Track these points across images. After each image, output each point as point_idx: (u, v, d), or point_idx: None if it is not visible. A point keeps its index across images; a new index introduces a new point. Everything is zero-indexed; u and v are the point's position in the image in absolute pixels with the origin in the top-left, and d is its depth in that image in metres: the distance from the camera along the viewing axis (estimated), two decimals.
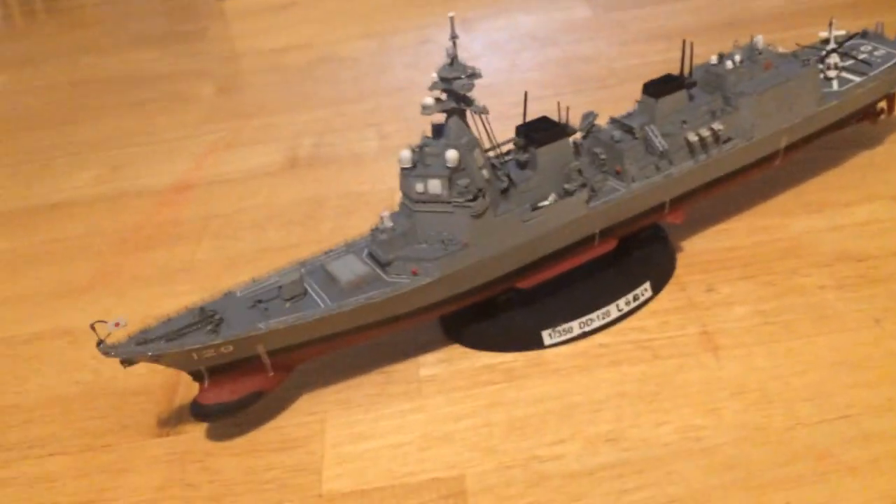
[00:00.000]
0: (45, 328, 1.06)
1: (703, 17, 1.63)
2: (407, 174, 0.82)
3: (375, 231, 0.84)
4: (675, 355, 0.88)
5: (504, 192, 0.86)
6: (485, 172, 0.83)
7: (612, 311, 0.92)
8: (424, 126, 1.34)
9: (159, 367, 0.94)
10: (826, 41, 1.08)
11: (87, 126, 1.57)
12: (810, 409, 0.79)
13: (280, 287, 0.82)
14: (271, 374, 0.84)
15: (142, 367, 0.95)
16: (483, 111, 0.81)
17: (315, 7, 1.97)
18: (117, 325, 0.76)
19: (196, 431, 0.88)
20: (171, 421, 0.90)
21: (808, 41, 1.11)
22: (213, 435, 0.87)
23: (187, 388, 0.93)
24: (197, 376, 0.82)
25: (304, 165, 1.33)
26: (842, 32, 1.09)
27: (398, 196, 1.19)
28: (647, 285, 0.94)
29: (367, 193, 1.23)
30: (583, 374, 0.87)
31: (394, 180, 1.24)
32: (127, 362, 0.77)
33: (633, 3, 1.73)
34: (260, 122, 1.49)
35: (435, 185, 0.81)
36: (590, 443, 0.80)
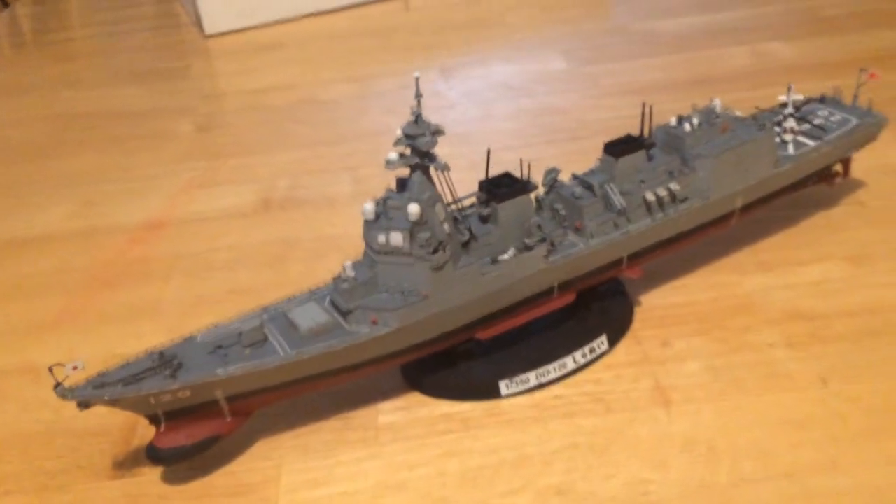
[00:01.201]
0: (8, 365, 1.07)
1: (672, 73, 1.68)
2: (370, 226, 0.85)
3: (337, 280, 0.86)
4: (627, 409, 0.89)
5: (465, 244, 0.88)
6: (446, 226, 0.85)
7: (569, 363, 0.94)
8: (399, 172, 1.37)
9: (118, 409, 0.95)
10: (784, 105, 1.12)
11: (65, 160, 1.59)
12: (755, 467, 0.81)
13: (240, 333, 0.83)
14: (229, 419, 0.85)
15: (101, 408, 0.96)
16: (445, 168, 0.83)
17: (301, 49, 2.01)
18: (75, 368, 0.77)
19: (152, 474, 0.88)
20: (128, 463, 0.90)
21: (771, 101, 1.15)
22: (168, 479, 0.88)
23: (145, 430, 0.93)
24: (154, 420, 0.83)
25: (278, 207, 1.35)
26: (800, 97, 1.13)
27: None
28: (603, 338, 0.96)
29: (339, 237, 1.25)
30: (537, 424, 0.89)
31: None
32: (83, 405, 0.78)
33: (607, 57, 1.78)
34: (237, 161, 1.51)
35: (396, 238, 0.83)
36: (540, 495, 0.81)
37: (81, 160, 1.58)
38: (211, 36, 2.15)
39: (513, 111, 1.57)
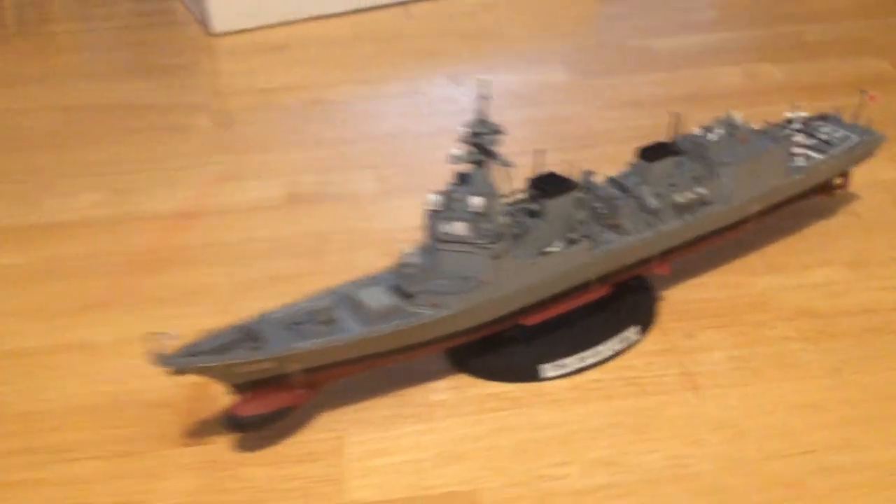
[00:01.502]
0: (63, 341, 1.11)
1: (670, 89, 1.78)
2: (434, 216, 0.92)
3: (401, 266, 0.93)
4: (660, 392, 0.98)
5: (517, 237, 0.96)
6: (503, 218, 0.92)
7: (604, 350, 1.02)
8: (421, 171, 1.45)
9: (181, 381, 1.00)
10: (790, 121, 1.23)
11: (84, 150, 1.62)
12: (779, 444, 0.91)
13: (315, 311, 0.89)
14: (301, 391, 0.91)
15: (164, 381, 1.01)
16: (508, 164, 0.91)
17: (305, 51, 2.06)
18: (171, 337, 0.82)
19: (223, 442, 0.94)
20: (198, 432, 0.95)
21: (760, 118, 1.24)
22: (239, 447, 0.93)
23: (209, 402, 0.99)
24: (235, 389, 0.89)
25: (305, 201, 1.41)
26: (804, 114, 1.23)
27: (398, 235, 1.28)
28: (634, 329, 1.05)
29: (369, 231, 1.32)
30: (579, 405, 0.97)
31: (393, 220, 1.34)
32: (178, 372, 0.84)
33: (606, 71, 1.87)
34: (258, 157, 1.56)
35: (460, 228, 0.90)
36: (589, 466, 0.89)
37: (101, 150, 1.61)
38: (215, 34, 2.19)
39: (523, 119, 1.66)
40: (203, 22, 2.22)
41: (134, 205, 1.42)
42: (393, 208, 1.38)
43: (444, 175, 1.44)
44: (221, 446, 0.93)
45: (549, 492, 0.86)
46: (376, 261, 1.23)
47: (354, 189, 1.44)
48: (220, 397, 0.99)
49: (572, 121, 1.64)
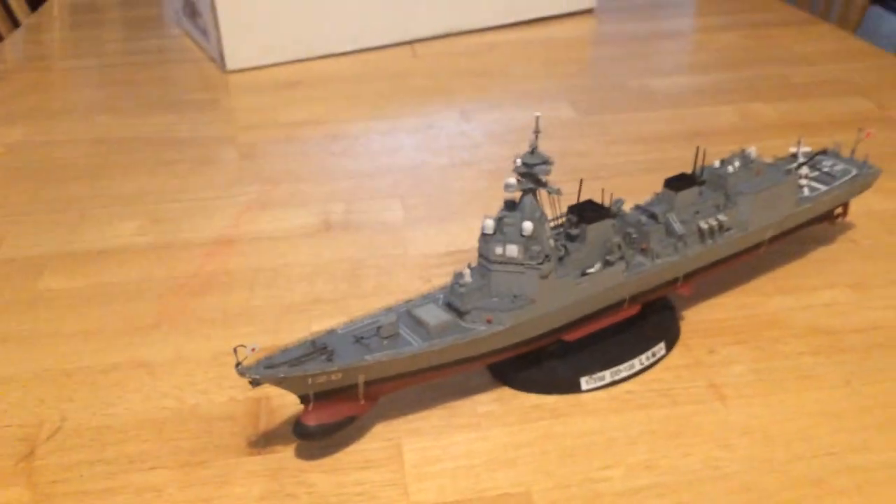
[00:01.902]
0: (120, 360, 1.17)
1: (671, 126, 1.89)
2: (488, 239, 1.00)
3: (455, 284, 1.01)
4: (690, 402, 1.06)
5: (561, 259, 1.04)
6: (551, 242, 1.01)
7: (636, 364, 1.10)
8: (443, 201, 1.53)
9: (239, 397, 1.08)
10: (794, 155, 1.33)
11: (119, 181, 1.68)
12: (803, 447, 0.99)
13: (379, 327, 0.97)
14: (363, 402, 0.98)
15: (222, 397, 1.09)
16: (558, 192, 1.00)
17: (319, 88, 2.15)
18: (253, 349, 0.89)
19: (286, 451, 1.00)
20: (261, 442, 1.02)
21: (758, 153, 1.34)
22: (302, 455, 1.00)
23: (269, 416, 1.06)
24: (304, 400, 0.95)
25: (338, 229, 1.49)
26: (807, 149, 1.34)
27: (429, 260, 1.37)
28: (661, 345, 1.13)
29: (402, 256, 1.39)
30: (616, 414, 1.05)
31: (423, 246, 1.42)
32: (255, 383, 0.90)
33: (610, 109, 1.98)
34: (288, 187, 1.64)
35: (512, 250, 0.98)
36: (631, 469, 0.96)
37: (135, 181, 1.68)
38: (231, 71, 2.27)
39: None
40: (217, 59, 2.31)
41: (173, 233, 1.49)
42: (421, 235, 1.46)
43: (464, 204, 1.55)
44: (286, 455, 1.00)
45: (597, 492, 0.93)
46: (409, 284, 1.31)
47: (383, 218, 1.52)
48: (279, 410, 1.06)
49: (583, 154, 1.74)
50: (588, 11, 2.69)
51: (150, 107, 2.06)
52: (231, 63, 2.27)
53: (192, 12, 2.47)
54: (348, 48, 2.39)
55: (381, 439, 1.02)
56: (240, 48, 2.27)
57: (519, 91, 2.11)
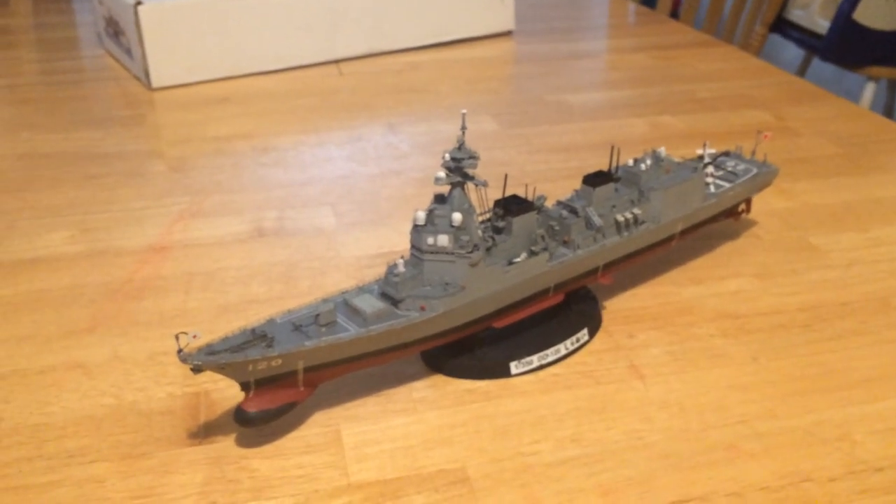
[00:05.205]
0: (55, 362, 1.17)
1: (588, 136, 1.99)
2: (420, 230, 1.05)
3: (389, 275, 1.06)
4: (612, 381, 1.13)
5: (488, 249, 1.10)
6: (479, 232, 1.07)
7: (561, 349, 1.17)
8: (373, 207, 1.59)
9: (177, 392, 1.10)
10: (701, 157, 1.43)
11: (46, 194, 1.67)
12: (716, 417, 1.07)
13: (317, 315, 1.00)
14: (302, 388, 1.01)
15: (160, 392, 1.11)
16: (484, 184, 1.06)
17: (248, 105, 2.18)
18: (195, 337, 0.92)
19: (226, 441, 1.03)
20: (201, 433, 1.04)
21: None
22: (243, 443, 1.02)
23: (209, 409, 1.08)
24: (245, 387, 0.98)
25: (272, 234, 1.52)
26: (712, 151, 1.44)
27: (362, 261, 1.41)
28: (584, 331, 1.20)
29: (335, 258, 1.43)
30: (544, 395, 1.11)
31: (354, 249, 1.47)
32: (197, 369, 0.93)
33: (530, 122, 2.07)
34: (220, 198, 1.66)
35: (443, 240, 1.04)
36: (559, 442, 1.02)
37: (63, 194, 1.68)
38: (157, 89, 2.28)
39: None
40: (142, 78, 2.31)
41: (104, 241, 1.49)
42: (352, 239, 1.50)
43: (393, 210, 1.60)
44: (226, 444, 1.02)
45: (527, 465, 0.99)
46: (343, 283, 1.36)
47: (315, 223, 1.56)
48: (218, 403, 1.09)
49: (506, 164, 1.82)
50: (507, 33, 2.80)
51: (73, 123, 2.05)
52: (157, 81, 2.28)
53: (115, 32, 2.47)
54: (275, 67, 2.43)
55: (320, 425, 1.05)
56: (165, 66, 2.28)
57: (443, 106, 2.18)
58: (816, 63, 3.95)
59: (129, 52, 2.38)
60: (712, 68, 2.49)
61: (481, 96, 2.26)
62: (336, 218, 1.58)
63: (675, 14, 3.46)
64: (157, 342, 1.21)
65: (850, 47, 3.48)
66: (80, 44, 2.79)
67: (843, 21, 3.40)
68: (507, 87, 2.37)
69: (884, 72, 3.57)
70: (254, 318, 1.25)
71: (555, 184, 1.68)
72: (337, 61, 2.52)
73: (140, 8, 2.18)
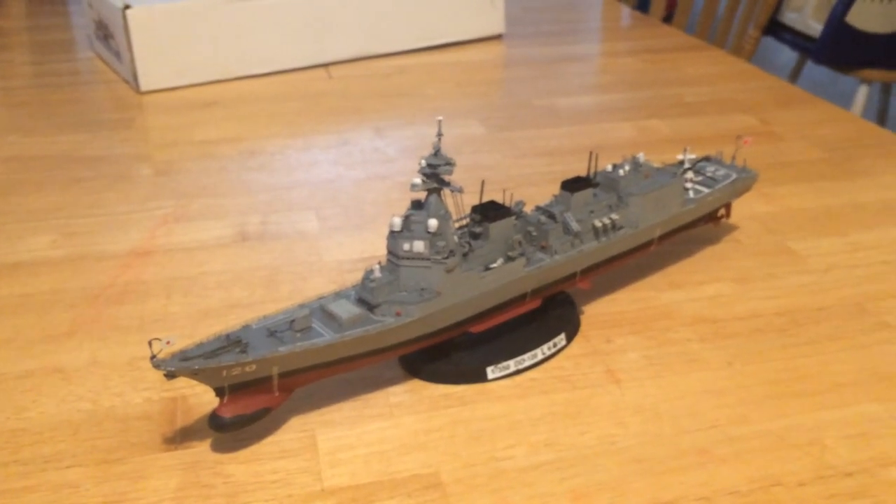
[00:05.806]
0: (34, 367, 1.17)
1: (574, 140, 2.00)
2: (396, 236, 1.06)
3: (366, 280, 1.06)
4: (588, 386, 1.14)
5: (465, 255, 1.11)
6: (455, 237, 1.07)
7: (538, 353, 1.17)
8: (357, 211, 1.60)
9: (154, 398, 1.11)
10: (681, 162, 1.44)
11: (30, 198, 1.68)
12: (690, 422, 1.07)
13: (292, 321, 1.01)
14: (277, 394, 1.02)
15: (137, 398, 1.11)
16: (460, 190, 1.07)
17: (236, 108, 2.18)
18: (168, 343, 0.92)
19: (202, 446, 1.03)
20: (177, 439, 1.04)
21: (654, 161, 1.45)
22: (218, 449, 1.03)
23: (185, 414, 1.09)
24: (219, 392, 0.99)
25: (254, 239, 1.52)
26: (693, 156, 1.45)
27: (343, 266, 1.41)
28: (562, 336, 1.21)
29: (317, 263, 1.44)
30: (520, 399, 1.11)
31: (337, 254, 1.47)
32: (170, 375, 0.93)
33: (518, 125, 2.08)
34: (204, 201, 1.67)
35: (419, 245, 1.05)
36: (533, 447, 1.03)
37: (47, 198, 1.68)
38: (145, 92, 2.29)
39: None
40: (131, 81, 2.32)
41: (87, 246, 1.50)
42: (335, 244, 1.51)
43: (378, 214, 1.61)
44: (201, 449, 1.03)
45: (501, 469, 1.00)
46: (325, 288, 1.36)
47: (299, 228, 1.56)
48: (195, 409, 1.09)
49: (492, 167, 1.83)
50: (497, 37, 2.80)
51: (61, 126, 2.05)
52: (145, 84, 2.28)
53: (104, 35, 2.48)
54: (263, 70, 2.43)
55: (296, 431, 1.06)
56: (154, 69, 2.29)
57: (431, 109, 2.19)
58: (810, 66, 3.96)
59: (118, 55, 2.38)
60: (701, 72, 2.50)
61: (470, 100, 2.27)
62: (320, 222, 1.59)
63: (668, 17, 3.47)
64: (137, 347, 1.22)
65: (843, 50, 3.49)
66: (73, 46, 2.80)
67: (837, 24, 3.41)
68: (495, 90, 2.38)
69: (877, 75, 3.58)
70: (235, 322, 1.26)
71: (539, 188, 1.69)
72: (326, 65, 2.53)
73: (128, 12, 2.19)
